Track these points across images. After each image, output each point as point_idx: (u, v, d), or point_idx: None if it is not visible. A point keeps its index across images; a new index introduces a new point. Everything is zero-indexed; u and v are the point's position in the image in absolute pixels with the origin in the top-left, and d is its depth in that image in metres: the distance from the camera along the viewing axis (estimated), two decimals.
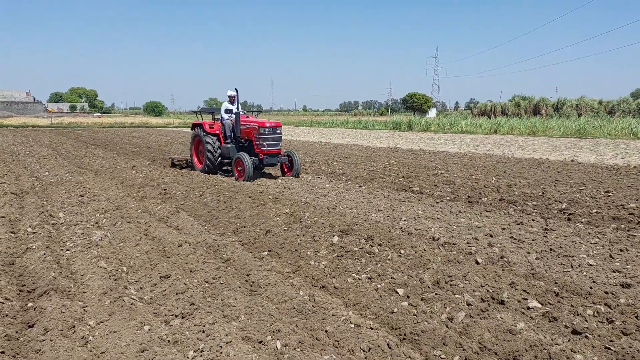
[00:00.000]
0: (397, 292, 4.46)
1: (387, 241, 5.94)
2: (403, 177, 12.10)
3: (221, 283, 4.61)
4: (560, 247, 5.81)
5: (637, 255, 5.44)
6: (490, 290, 4.37)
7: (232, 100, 12.92)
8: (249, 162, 11.21)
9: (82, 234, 6.33)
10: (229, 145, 12.40)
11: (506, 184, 10.69)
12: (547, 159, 16.64)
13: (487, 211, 8.13)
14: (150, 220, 7.16)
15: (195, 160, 13.57)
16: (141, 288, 4.55)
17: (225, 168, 13.26)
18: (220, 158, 12.57)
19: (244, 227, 6.86)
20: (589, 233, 6.52)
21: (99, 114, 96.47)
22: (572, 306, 4.06)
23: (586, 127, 30.17)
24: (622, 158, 16.46)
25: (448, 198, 9.35)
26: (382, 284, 4.65)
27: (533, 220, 7.39)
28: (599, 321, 3.80)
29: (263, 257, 5.57)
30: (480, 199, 9.11)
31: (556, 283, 4.57)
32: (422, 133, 38.00)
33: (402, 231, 6.66)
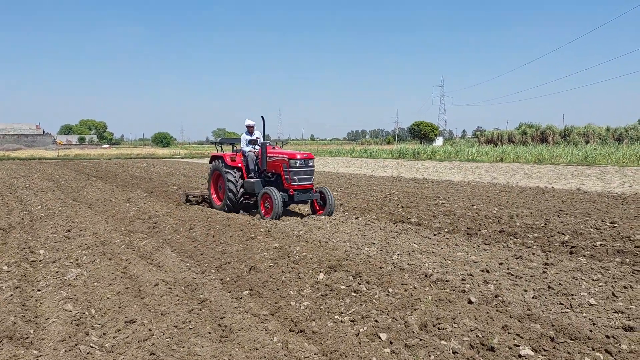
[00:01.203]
0: (379, 337, 4.12)
1: (377, 278, 5.62)
2: (402, 207, 11.79)
3: (190, 328, 4.29)
4: (560, 284, 5.44)
5: None
6: (481, 335, 4.02)
7: (251, 130, 11.75)
8: (277, 198, 10.00)
9: (57, 272, 6.07)
10: (253, 180, 11.08)
11: (508, 214, 10.34)
12: (552, 187, 16.26)
13: (485, 244, 7.78)
14: (131, 257, 6.89)
15: (214, 196, 12.22)
16: (104, 334, 4.24)
17: (247, 202, 11.72)
18: (242, 194, 11.32)
19: (229, 263, 6.56)
20: (592, 268, 6.15)
21: (107, 146, 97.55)
22: (569, 353, 3.69)
23: (593, 155, 29.80)
24: (630, 186, 16.05)
25: (446, 230, 9.01)
26: (365, 328, 4.31)
27: (533, 254, 7.02)
28: None
29: (242, 298, 5.24)
30: (479, 230, 8.76)
31: (553, 326, 4.21)
32: (427, 162, 37.77)
33: (394, 267, 6.33)
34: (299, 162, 10.45)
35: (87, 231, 8.72)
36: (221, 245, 7.53)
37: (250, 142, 11.58)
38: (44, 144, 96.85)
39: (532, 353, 3.70)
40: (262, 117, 11.30)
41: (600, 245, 7.29)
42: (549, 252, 7.11)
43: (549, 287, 5.36)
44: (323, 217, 10.71)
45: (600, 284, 5.46)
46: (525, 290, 5.29)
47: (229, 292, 5.48)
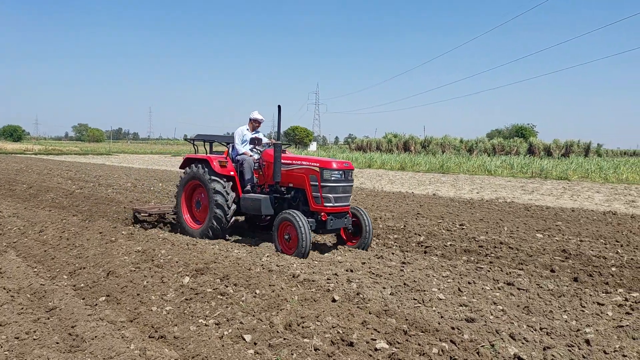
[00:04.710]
0: (244, 339, 4.09)
1: (245, 280, 5.58)
2: None
3: (35, 339, 3.89)
4: (414, 281, 5.87)
5: (482, 288, 5.66)
6: (341, 332, 4.18)
7: (255, 126, 8.85)
8: (305, 227, 6.96)
9: None
10: (258, 197, 7.94)
11: (372, 217, 10.92)
12: (412, 192, 17.54)
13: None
14: None
15: (186, 217, 8.87)
16: None
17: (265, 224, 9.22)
18: (233, 215, 8.31)
19: (84, 268, 6.07)
20: (442, 266, 6.74)
21: None
22: (419, 345, 3.99)
23: (448, 164, 32.72)
24: (477, 193, 17.89)
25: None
26: (230, 330, 4.25)
27: (393, 253, 7.50)
28: None
29: (97, 304, 4.88)
30: None
31: (407, 320, 4.53)
32: None
33: (263, 268, 6.33)
34: (335, 173, 7.38)
35: None
36: (76, 249, 6.95)
37: (252, 141, 8.34)
38: None
39: (387, 346, 3.93)
40: (278, 106, 7.97)
41: (450, 245, 8.02)
42: (407, 251, 7.65)
43: (404, 284, 5.75)
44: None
45: (449, 280, 6.00)
46: (384, 288, 5.62)
47: (83, 298, 5.07)
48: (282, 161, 7.81)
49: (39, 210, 10.31)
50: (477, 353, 3.84)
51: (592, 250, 7.81)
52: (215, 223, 8.08)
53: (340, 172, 7.42)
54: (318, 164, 7.44)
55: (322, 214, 7.37)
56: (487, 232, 9.27)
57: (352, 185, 7.73)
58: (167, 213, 9.60)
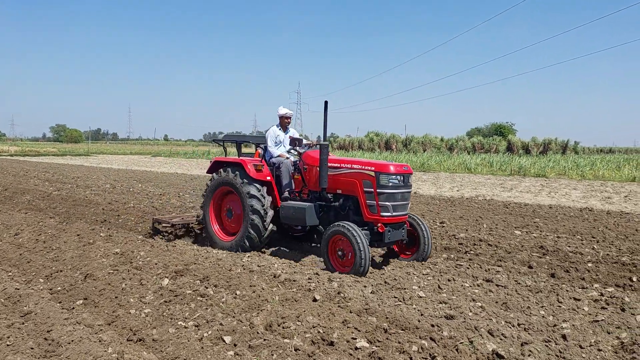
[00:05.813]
0: (223, 341, 4.06)
1: (226, 281, 5.55)
2: None
3: (9, 344, 3.82)
4: (395, 279, 5.91)
5: (462, 285, 5.71)
6: (321, 331, 4.18)
7: (285, 123, 8.09)
8: (363, 241, 6.09)
9: None
10: (303, 205, 6.96)
11: None
12: None
13: None
14: None
15: (216, 227, 7.99)
16: None
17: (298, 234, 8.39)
18: (271, 225, 7.41)
19: (60, 271, 5.97)
20: (422, 264, 6.78)
21: None
22: (399, 342, 4.01)
23: (429, 162, 32.98)
24: (458, 190, 18.06)
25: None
26: (209, 332, 4.22)
27: (373, 252, 7.52)
28: (422, 357, 3.78)
29: (74, 308, 4.81)
30: None
31: (387, 318, 4.54)
32: None
33: (244, 268, 6.30)
34: (393, 178, 6.49)
35: None
36: (53, 252, 6.84)
37: (292, 142, 7.39)
38: None
39: (367, 345, 3.94)
40: (325, 102, 7.00)
41: (432, 242, 8.07)
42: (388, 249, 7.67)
43: (385, 282, 5.78)
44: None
45: (429, 278, 6.04)
46: (365, 286, 5.63)
47: (59, 302, 4.99)
48: (334, 164, 6.95)
49: (14, 213, 10.11)
50: (456, 350, 3.87)
51: (569, 246, 7.94)
52: (252, 232, 7.23)
53: (399, 176, 6.54)
54: (373, 168, 6.54)
55: (379, 225, 6.47)
56: (467, 230, 9.36)
57: (410, 192, 6.88)
58: (192, 223, 8.69)
